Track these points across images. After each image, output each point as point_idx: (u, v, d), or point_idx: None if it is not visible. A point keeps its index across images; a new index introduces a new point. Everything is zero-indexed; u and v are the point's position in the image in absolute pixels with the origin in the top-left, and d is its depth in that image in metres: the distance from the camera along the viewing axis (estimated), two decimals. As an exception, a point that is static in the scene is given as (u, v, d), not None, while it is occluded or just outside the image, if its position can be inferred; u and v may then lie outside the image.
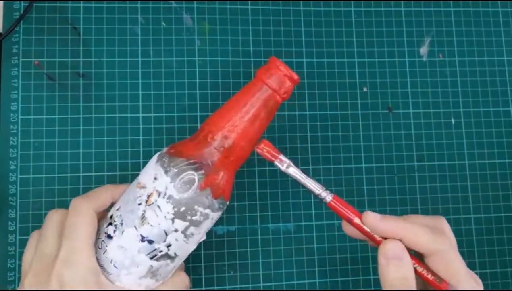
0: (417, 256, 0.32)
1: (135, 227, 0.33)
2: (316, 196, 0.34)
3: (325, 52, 0.47)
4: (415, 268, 0.31)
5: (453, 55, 0.48)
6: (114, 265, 0.33)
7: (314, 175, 0.45)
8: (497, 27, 0.49)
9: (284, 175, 0.45)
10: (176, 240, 0.33)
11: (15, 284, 0.40)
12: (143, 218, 0.33)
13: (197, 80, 0.45)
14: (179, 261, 0.35)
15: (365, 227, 0.32)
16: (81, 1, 0.45)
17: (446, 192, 0.46)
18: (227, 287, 0.43)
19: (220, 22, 0.46)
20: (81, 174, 0.42)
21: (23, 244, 0.41)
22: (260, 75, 0.34)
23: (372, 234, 0.32)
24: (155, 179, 0.33)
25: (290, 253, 0.44)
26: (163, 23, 0.45)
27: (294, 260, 0.44)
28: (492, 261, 0.46)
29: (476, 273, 0.45)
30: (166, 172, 0.33)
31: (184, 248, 0.34)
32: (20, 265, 0.40)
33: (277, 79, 0.34)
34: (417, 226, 0.31)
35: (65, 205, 0.42)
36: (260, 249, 0.44)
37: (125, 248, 0.33)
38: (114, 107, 0.44)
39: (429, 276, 0.31)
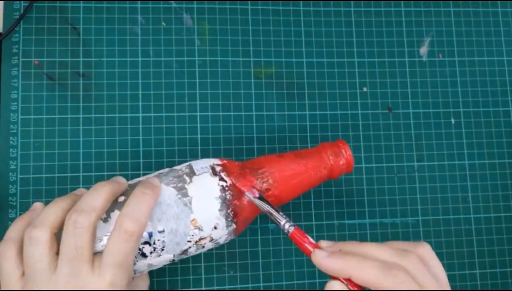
0: None
1: (174, 255, 0.34)
2: (280, 227, 0.34)
3: (325, 52, 0.47)
4: None
5: (453, 55, 0.48)
6: (134, 272, 0.34)
7: (314, 174, 0.45)
8: (497, 27, 0.49)
9: (284, 174, 0.45)
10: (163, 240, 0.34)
11: (15, 284, 0.40)
12: (185, 251, 0.34)
13: (197, 80, 0.45)
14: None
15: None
16: (81, 1, 0.45)
17: (446, 192, 0.46)
18: (227, 287, 0.43)
19: (220, 22, 0.46)
20: (81, 174, 0.42)
21: (23, 243, 0.41)
22: (329, 155, 0.38)
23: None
24: (215, 228, 0.34)
25: (290, 253, 0.44)
26: (163, 23, 0.45)
27: (294, 260, 0.44)
28: (491, 261, 0.46)
29: (476, 273, 0.45)
30: (227, 226, 0.34)
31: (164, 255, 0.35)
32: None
33: (340, 163, 0.38)
34: (365, 262, 0.30)
35: (65, 205, 0.42)
36: (260, 249, 0.44)
37: (154, 265, 0.34)
38: (114, 107, 0.44)
39: None
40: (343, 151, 0.38)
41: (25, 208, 0.41)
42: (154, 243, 0.32)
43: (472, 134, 0.47)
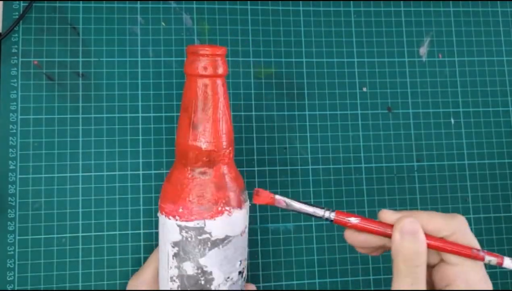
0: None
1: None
2: (321, 218, 0.33)
3: (324, 52, 0.47)
4: (435, 245, 0.31)
5: (452, 55, 0.48)
6: None
7: (313, 175, 0.45)
8: (497, 27, 0.49)
9: (283, 175, 0.45)
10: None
11: (15, 284, 0.40)
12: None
13: (197, 80, 0.45)
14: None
15: (374, 227, 0.32)
16: (81, 1, 0.45)
17: (446, 192, 0.46)
18: (226, 287, 0.43)
19: (219, 22, 0.46)
20: (80, 174, 0.42)
21: (23, 244, 0.41)
22: (189, 70, 0.33)
23: (384, 230, 0.32)
24: None
25: (290, 253, 0.44)
26: (163, 23, 0.45)
27: (293, 260, 0.44)
28: (491, 261, 0.46)
29: (476, 273, 0.45)
30: None
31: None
32: (19, 265, 0.40)
33: (207, 63, 0.33)
34: (432, 213, 0.32)
35: (64, 205, 0.42)
36: (260, 249, 0.44)
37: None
38: (114, 107, 0.44)
39: (448, 247, 0.31)
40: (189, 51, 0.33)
41: (24, 208, 0.41)
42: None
43: (472, 134, 0.47)
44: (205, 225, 0.33)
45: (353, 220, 0.32)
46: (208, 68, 0.33)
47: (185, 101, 0.34)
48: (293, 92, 0.46)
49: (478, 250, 0.31)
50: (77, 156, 0.43)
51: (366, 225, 0.32)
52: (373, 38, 0.48)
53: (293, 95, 0.46)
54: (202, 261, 0.33)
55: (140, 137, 0.44)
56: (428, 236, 0.31)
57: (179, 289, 0.34)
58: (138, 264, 0.42)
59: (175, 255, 0.34)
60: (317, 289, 0.44)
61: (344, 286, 0.44)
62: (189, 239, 0.33)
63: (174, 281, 0.34)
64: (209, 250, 0.33)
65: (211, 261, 0.33)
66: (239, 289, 0.35)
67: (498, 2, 0.50)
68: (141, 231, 0.42)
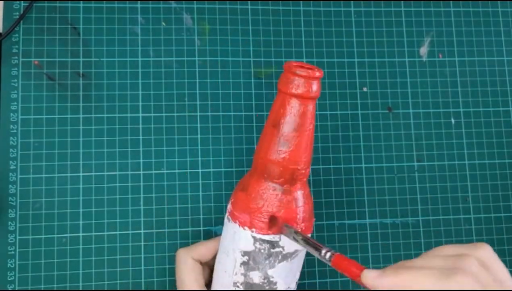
0: None
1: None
2: (320, 258, 0.32)
3: (325, 52, 0.47)
4: None
5: (453, 55, 0.48)
6: None
7: (313, 175, 0.45)
8: (497, 27, 0.49)
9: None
10: None
11: (15, 284, 0.40)
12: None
13: (197, 80, 0.45)
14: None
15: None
16: (81, 1, 0.45)
17: (446, 192, 0.46)
18: (227, 287, 0.43)
19: (220, 22, 0.46)
20: (81, 174, 0.42)
21: (23, 244, 0.41)
22: (283, 88, 0.33)
23: None
24: None
25: (290, 253, 0.44)
26: (163, 23, 0.45)
27: (294, 260, 0.44)
28: (492, 261, 0.46)
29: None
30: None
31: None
32: (20, 265, 0.41)
33: (301, 84, 0.33)
34: (422, 273, 0.27)
35: (64, 205, 0.42)
36: (260, 249, 0.44)
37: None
38: (114, 107, 0.44)
39: None
40: (287, 69, 0.33)
41: (25, 208, 0.41)
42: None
43: (472, 134, 0.47)
44: (280, 239, 0.34)
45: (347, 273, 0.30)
46: (308, 89, 0.33)
47: (276, 117, 0.34)
48: (294, 92, 0.46)
49: None
50: (77, 156, 0.43)
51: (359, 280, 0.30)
52: (374, 38, 0.48)
53: (294, 95, 0.46)
54: (270, 272, 0.34)
55: (141, 137, 0.44)
56: None
57: None
58: (138, 264, 0.42)
59: (244, 264, 0.35)
60: (317, 289, 0.44)
61: (344, 286, 0.44)
62: (262, 250, 0.34)
63: (238, 287, 0.35)
64: (279, 262, 0.34)
65: (279, 272, 0.34)
66: None
67: (498, 2, 0.50)
68: (142, 231, 0.42)
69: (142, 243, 0.42)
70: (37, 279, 0.41)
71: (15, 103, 0.43)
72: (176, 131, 0.44)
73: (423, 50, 0.48)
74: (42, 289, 0.41)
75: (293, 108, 0.33)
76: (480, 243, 0.29)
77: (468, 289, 0.26)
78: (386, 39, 0.48)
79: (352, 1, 0.48)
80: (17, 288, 0.40)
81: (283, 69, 0.34)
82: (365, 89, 0.47)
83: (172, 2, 0.46)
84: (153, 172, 0.43)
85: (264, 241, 0.34)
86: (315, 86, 0.33)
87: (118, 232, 0.42)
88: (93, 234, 0.42)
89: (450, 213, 0.46)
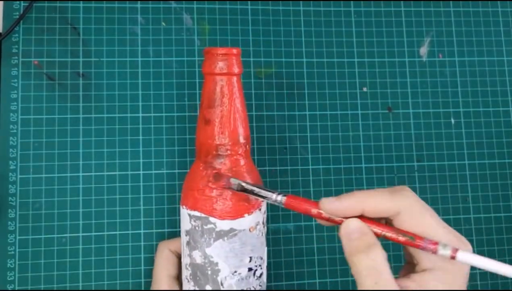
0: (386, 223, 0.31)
1: (266, 246, 0.38)
2: (273, 202, 0.33)
3: (324, 52, 0.47)
4: (384, 235, 0.29)
5: (453, 55, 0.48)
6: None
7: (313, 175, 0.45)
8: (497, 27, 0.49)
9: (284, 175, 0.45)
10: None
11: (15, 284, 0.40)
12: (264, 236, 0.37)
13: (197, 80, 0.45)
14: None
15: (323, 214, 0.31)
16: (81, 1, 0.45)
17: (446, 192, 0.46)
18: (227, 287, 0.43)
19: (219, 22, 0.46)
20: (80, 174, 0.42)
21: (23, 244, 0.41)
22: (207, 70, 0.35)
23: (333, 218, 0.31)
24: None
25: (290, 253, 0.44)
26: (163, 23, 0.45)
27: (294, 260, 0.44)
28: (492, 261, 0.46)
29: (476, 273, 0.45)
30: None
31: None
32: (20, 265, 0.41)
33: (223, 63, 0.35)
34: (373, 192, 0.30)
35: (64, 205, 0.42)
36: (260, 249, 0.44)
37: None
38: (114, 107, 0.44)
39: (400, 237, 0.29)
40: (207, 53, 0.36)
41: (25, 208, 0.41)
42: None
43: (472, 134, 0.47)
44: (210, 216, 0.35)
45: (302, 205, 0.32)
46: (212, 66, 0.35)
47: (201, 99, 0.36)
48: (294, 92, 0.46)
49: (421, 239, 0.28)
50: (77, 156, 0.43)
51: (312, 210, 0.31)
52: (374, 38, 0.48)
53: (294, 95, 0.46)
54: (208, 250, 0.34)
55: (141, 137, 0.44)
56: (371, 222, 0.30)
57: (191, 277, 0.35)
58: (138, 264, 0.42)
59: (187, 243, 0.36)
60: (317, 289, 0.44)
61: (344, 286, 0.44)
62: (197, 228, 0.35)
63: (187, 269, 0.36)
64: (214, 240, 0.34)
65: (217, 252, 0.34)
66: (252, 287, 0.36)
67: (498, 2, 0.50)
68: (141, 231, 0.42)
69: (142, 243, 0.42)
70: (37, 279, 0.41)
71: (15, 103, 0.43)
72: (176, 131, 0.44)
73: (423, 50, 0.48)
74: (42, 289, 0.41)
75: (206, 86, 0.36)
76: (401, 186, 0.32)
77: (414, 200, 0.30)
78: (386, 39, 0.48)
79: (352, 1, 0.48)
80: (16, 288, 0.40)
81: (205, 53, 0.36)
82: (365, 89, 0.47)
83: (172, 2, 0.46)
84: (153, 172, 0.43)
85: (196, 217, 0.35)
86: (221, 64, 0.35)
87: (118, 232, 0.42)
88: (93, 234, 0.42)
89: (450, 213, 0.46)
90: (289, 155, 0.45)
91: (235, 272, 0.35)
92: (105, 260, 0.42)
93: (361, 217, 0.30)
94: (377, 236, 0.30)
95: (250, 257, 0.35)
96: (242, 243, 0.35)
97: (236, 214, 0.34)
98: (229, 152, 0.35)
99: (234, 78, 0.36)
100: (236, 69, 0.35)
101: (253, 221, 0.35)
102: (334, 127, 0.46)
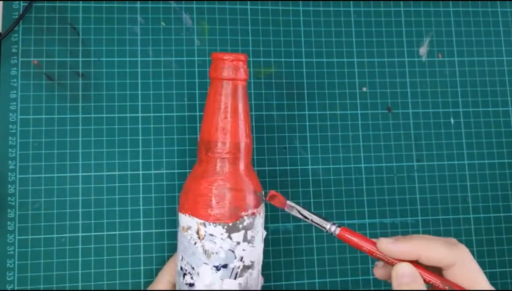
0: (436, 270, 0.32)
1: (205, 263, 0.34)
2: (326, 231, 0.34)
3: (324, 52, 0.47)
4: (434, 284, 0.31)
5: (452, 55, 0.48)
6: None
7: (313, 175, 0.45)
8: (496, 27, 0.49)
9: (283, 175, 0.45)
10: (244, 250, 0.35)
11: (14, 284, 0.40)
12: (206, 252, 0.34)
13: (197, 80, 0.45)
14: (258, 264, 0.36)
15: (377, 253, 0.32)
16: (80, 1, 0.45)
17: (445, 192, 0.46)
18: (226, 287, 0.43)
19: (219, 22, 0.46)
20: (80, 174, 0.42)
21: (22, 244, 0.41)
22: (213, 74, 0.36)
23: (387, 258, 0.32)
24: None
25: (290, 253, 0.44)
26: (163, 23, 0.45)
27: (293, 260, 0.44)
28: (491, 261, 0.46)
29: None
30: None
31: (254, 252, 0.35)
32: (19, 265, 0.41)
33: (230, 68, 0.35)
34: (431, 241, 0.31)
35: (64, 205, 0.42)
36: (259, 249, 0.44)
37: (209, 284, 0.34)
38: (113, 107, 0.44)
39: (447, 287, 0.30)
40: (215, 57, 0.36)
41: (24, 208, 0.41)
42: (186, 270, 0.36)
43: (471, 134, 0.47)
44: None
45: (356, 240, 0.33)
46: (231, 73, 0.35)
47: (206, 103, 0.36)
48: (293, 92, 0.46)
49: None
50: (76, 156, 0.43)
51: (365, 246, 0.33)
52: (373, 38, 0.48)
53: (293, 95, 0.46)
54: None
55: (140, 137, 0.44)
56: (425, 271, 0.31)
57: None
58: (138, 264, 0.42)
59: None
60: (317, 289, 0.44)
61: (344, 286, 0.44)
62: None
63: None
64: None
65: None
66: (178, 287, 0.37)
67: (498, 2, 0.50)
68: (141, 231, 0.42)
69: (142, 243, 0.42)
70: (36, 279, 0.41)
71: (14, 103, 0.43)
72: (176, 131, 0.44)
73: (423, 50, 0.48)
74: (41, 289, 0.41)
75: (211, 91, 0.36)
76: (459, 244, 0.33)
77: (470, 257, 0.31)
78: (386, 39, 0.48)
79: (351, 1, 0.48)
80: (16, 288, 0.40)
81: (212, 58, 0.36)
82: (364, 89, 0.47)
83: (172, 2, 0.46)
84: (153, 172, 0.43)
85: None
86: (228, 69, 0.35)
87: (117, 232, 0.42)
88: (92, 234, 0.42)
89: (450, 213, 0.46)
90: (289, 154, 0.45)
91: (177, 264, 0.37)
92: (104, 260, 0.42)
93: (414, 261, 0.31)
94: (426, 282, 0.31)
95: (182, 256, 0.36)
96: (180, 237, 0.36)
97: (187, 211, 0.35)
98: (229, 156, 0.35)
99: (240, 85, 0.36)
100: (242, 75, 0.36)
101: (186, 223, 0.35)
102: (334, 127, 0.46)
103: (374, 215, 0.45)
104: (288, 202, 0.35)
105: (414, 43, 0.48)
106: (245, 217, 0.35)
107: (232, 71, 0.35)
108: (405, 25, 0.48)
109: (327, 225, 0.34)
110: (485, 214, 0.46)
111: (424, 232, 0.45)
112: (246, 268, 0.35)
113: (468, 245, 0.45)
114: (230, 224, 0.34)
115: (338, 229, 0.34)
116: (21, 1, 0.44)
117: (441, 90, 0.48)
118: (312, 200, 0.45)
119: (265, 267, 0.43)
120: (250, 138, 0.37)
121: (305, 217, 0.35)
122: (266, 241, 0.43)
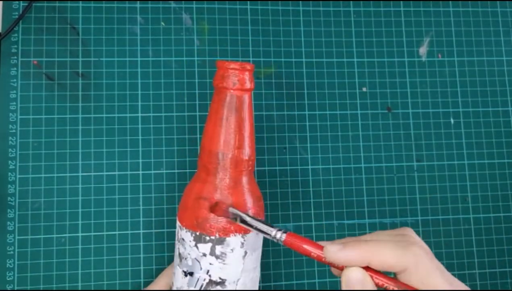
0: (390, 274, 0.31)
1: (178, 265, 0.34)
2: (272, 239, 0.31)
3: (324, 52, 0.47)
4: (387, 288, 0.29)
5: (452, 55, 0.48)
6: None
7: (313, 175, 0.45)
8: (496, 27, 0.49)
9: (283, 175, 0.45)
10: (211, 264, 0.33)
11: (14, 284, 0.40)
12: (179, 255, 0.34)
13: (196, 80, 0.45)
14: (233, 284, 0.34)
15: (325, 259, 0.30)
16: (80, 1, 0.45)
17: (445, 192, 0.46)
18: (226, 287, 0.43)
19: (219, 22, 0.46)
20: (80, 174, 0.42)
21: (22, 244, 0.41)
22: (218, 83, 0.34)
23: (336, 264, 0.30)
24: None
25: (290, 253, 0.44)
26: (162, 23, 0.45)
27: (293, 260, 0.44)
28: (491, 261, 0.46)
29: (475, 273, 0.45)
30: None
31: (227, 270, 0.33)
32: (19, 265, 0.41)
33: (235, 78, 0.34)
34: (381, 245, 0.29)
35: (63, 205, 0.42)
36: (259, 249, 0.44)
37: (180, 287, 0.34)
38: (113, 107, 0.44)
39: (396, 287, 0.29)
40: (221, 66, 0.34)
41: (24, 208, 0.41)
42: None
43: (471, 134, 0.47)
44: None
45: (303, 246, 0.30)
46: (236, 82, 0.34)
47: (209, 111, 0.35)
48: (293, 92, 0.46)
49: None
50: (76, 156, 0.43)
51: (311, 250, 0.30)
52: (373, 38, 0.48)
53: (293, 95, 0.46)
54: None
55: (140, 137, 0.44)
56: (377, 274, 0.29)
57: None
58: (137, 264, 0.42)
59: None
60: (317, 289, 0.44)
61: (343, 286, 0.44)
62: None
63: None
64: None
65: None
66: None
67: (498, 2, 0.50)
68: (141, 231, 0.42)
69: (141, 243, 0.42)
70: (36, 279, 0.41)
71: (14, 103, 0.43)
72: (175, 131, 0.44)
73: (423, 50, 0.48)
74: (41, 289, 0.41)
75: (215, 99, 0.35)
76: (404, 227, 0.32)
77: (422, 258, 0.29)
78: (385, 39, 0.48)
79: (351, 1, 0.48)
80: (16, 288, 0.40)
81: (218, 66, 0.35)
82: (364, 89, 0.47)
83: (171, 2, 0.46)
84: (152, 172, 0.43)
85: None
86: (233, 78, 0.34)
87: (117, 232, 0.42)
88: (92, 234, 0.42)
89: (449, 213, 0.46)
90: (289, 154, 0.45)
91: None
92: (104, 260, 0.42)
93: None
94: (379, 286, 0.29)
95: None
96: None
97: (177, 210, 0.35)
98: (231, 168, 0.34)
99: (245, 95, 0.34)
100: (248, 85, 0.34)
101: (177, 222, 0.36)
102: (334, 127, 0.46)
103: (374, 215, 0.45)
104: (231, 209, 0.33)
105: (414, 43, 0.48)
106: (215, 231, 0.33)
107: (237, 81, 0.34)
108: (405, 25, 0.48)
109: (273, 232, 0.31)
110: (485, 214, 0.46)
111: (424, 232, 0.45)
112: (213, 283, 0.33)
113: (468, 245, 0.46)
114: (197, 233, 0.33)
115: (284, 235, 0.31)
116: (21, 1, 0.44)
117: (441, 90, 0.48)
118: (312, 200, 0.45)
119: (265, 267, 0.43)
120: (254, 151, 0.35)
121: (250, 225, 0.32)
122: (266, 240, 0.43)
